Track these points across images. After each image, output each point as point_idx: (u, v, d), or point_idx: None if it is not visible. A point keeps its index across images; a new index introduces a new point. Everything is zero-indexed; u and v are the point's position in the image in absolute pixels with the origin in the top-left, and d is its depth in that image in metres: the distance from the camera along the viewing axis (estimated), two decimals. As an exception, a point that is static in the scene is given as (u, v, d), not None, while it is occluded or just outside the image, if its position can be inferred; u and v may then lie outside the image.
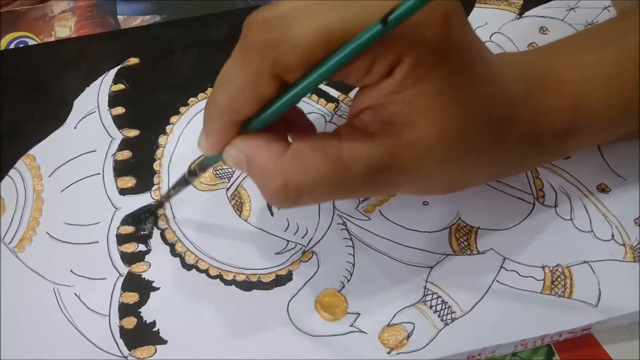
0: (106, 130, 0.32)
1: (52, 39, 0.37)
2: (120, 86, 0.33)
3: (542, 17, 0.36)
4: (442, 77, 0.20)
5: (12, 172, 0.31)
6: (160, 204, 0.29)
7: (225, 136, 0.22)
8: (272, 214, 0.29)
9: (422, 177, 0.22)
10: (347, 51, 0.19)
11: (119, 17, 0.37)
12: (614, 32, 0.27)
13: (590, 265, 0.28)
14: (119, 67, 0.34)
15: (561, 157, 0.30)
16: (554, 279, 0.27)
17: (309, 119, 0.25)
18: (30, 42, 0.37)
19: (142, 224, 0.29)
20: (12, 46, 0.36)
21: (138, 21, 0.37)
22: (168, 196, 0.28)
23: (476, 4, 0.36)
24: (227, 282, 0.27)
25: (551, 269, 0.27)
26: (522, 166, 0.27)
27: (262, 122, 0.21)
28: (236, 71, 0.21)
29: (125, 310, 0.27)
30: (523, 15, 0.36)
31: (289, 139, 0.23)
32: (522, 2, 0.36)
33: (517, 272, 0.27)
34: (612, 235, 0.28)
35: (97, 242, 0.28)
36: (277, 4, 0.20)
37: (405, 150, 0.21)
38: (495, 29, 0.35)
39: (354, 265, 0.28)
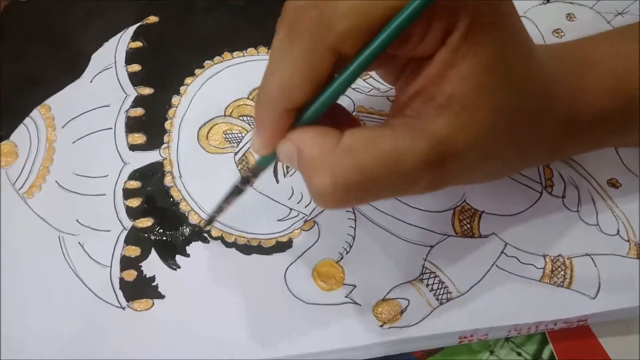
0: (121, 87, 0.32)
1: (76, -8, 0.37)
2: (138, 44, 0.34)
3: (570, 3, 0.35)
4: (493, 47, 0.19)
5: (27, 120, 0.31)
6: (211, 220, 0.26)
7: (279, 129, 0.21)
8: (277, 181, 0.29)
9: (477, 162, 0.21)
10: (406, 15, 0.18)
11: (143, -25, 0.37)
12: None
13: (592, 258, 0.27)
14: (138, 24, 0.34)
15: (598, 147, 0.28)
16: (554, 269, 0.27)
17: (355, 118, 0.24)
18: (55, -6, 0.37)
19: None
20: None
21: (162, -19, 0.37)
22: (220, 209, 0.25)
23: (503, -14, 0.35)
24: (228, 245, 0.28)
25: (552, 258, 0.27)
26: (558, 152, 0.26)
27: (319, 109, 0.20)
28: (287, 53, 0.19)
29: (127, 262, 0.27)
30: (550, 0, 0.35)
31: None
32: (550, -14, 0.35)
33: (517, 258, 0.27)
34: (618, 231, 0.28)
35: (104, 194, 0.29)
36: None
37: (464, 133, 0.19)
38: (520, 12, 0.34)
39: (354, 238, 0.28)
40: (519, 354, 0.27)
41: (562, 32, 0.34)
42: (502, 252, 0.27)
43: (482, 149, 0.20)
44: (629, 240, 0.28)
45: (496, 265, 0.27)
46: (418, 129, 0.19)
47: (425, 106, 0.20)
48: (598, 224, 0.28)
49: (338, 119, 0.22)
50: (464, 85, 0.19)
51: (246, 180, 0.24)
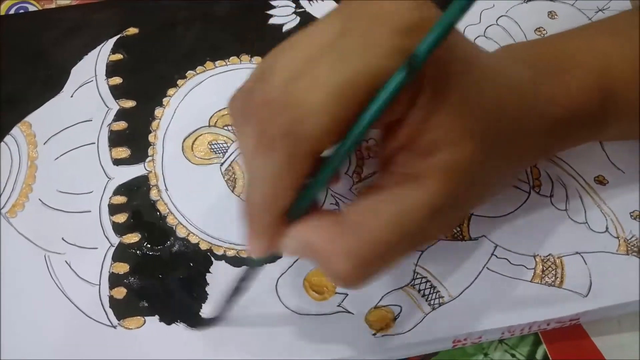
0: (103, 100, 0.32)
1: (53, 6, 0.36)
2: (119, 56, 0.33)
3: (551, 1, 0.35)
4: (461, 90, 0.19)
5: (7, 138, 0.30)
6: (216, 320, 0.26)
7: (273, 234, 0.21)
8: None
9: (477, 194, 0.21)
10: (379, 105, 0.18)
11: (121, -14, 0.37)
12: (628, 20, 0.26)
13: (582, 256, 0.27)
14: (118, 36, 0.34)
15: (579, 143, 0.27)
16: (544, 268, 0.27)
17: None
18: (31, 8, 0.36)
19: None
20: (12, 11, 0.36)
21: (141, -9, 0.37)
22: (225, 310, 0.25)
23: (484, -14, 0.35)
24: (217, 257, 0.27)
25: (542, 258, 0.27)
26: (544, 152, 0.27)
27: (307, 203, 0.20)
28: (263, 163, 0.19)
29: (116, 280, 0.27)
30: (532, -1, 0.35)
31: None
32: (531, -15, 0.35)
33: (508, 260, 0.27)
34: (607, 228, 0.28)
35: (89, 211, 0.28)
36: (268, 80, 0.19)
37: (456, 174, 0.20)
38: (502, 11, 0.35)
39: (344, 246, 0.27)
40: (513, 355, 0.27)
41: (544, 30, 0.34)
42: (492, 254, 0.27)
43: (479, 178, 0.21)
44: (618, 237, 0.28)
45: (487, 268, 0.27)
46: (413, 186, 0.19)
47: (411, 159, 0.20)
48: (587, 222, 0.28)
49: None
50: (444, 132, 0.19)
51: (244, 281, 0.24)
